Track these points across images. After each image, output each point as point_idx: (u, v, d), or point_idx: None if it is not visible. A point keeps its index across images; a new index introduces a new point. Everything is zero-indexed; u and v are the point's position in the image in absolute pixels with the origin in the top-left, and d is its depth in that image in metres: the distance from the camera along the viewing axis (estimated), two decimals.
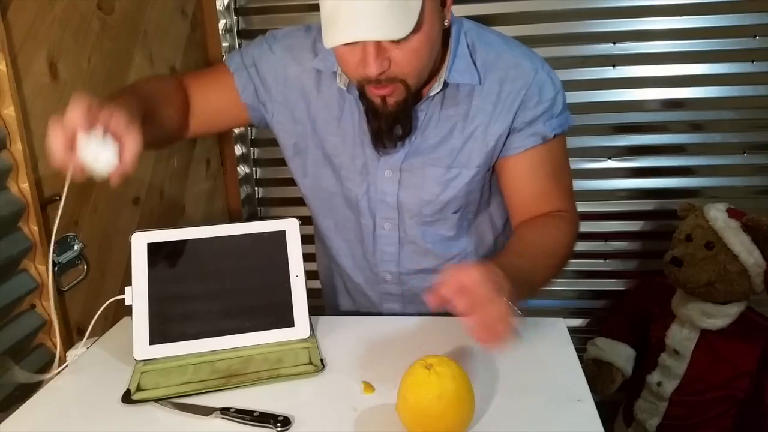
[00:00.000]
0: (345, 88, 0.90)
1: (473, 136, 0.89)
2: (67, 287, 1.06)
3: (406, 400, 0.63)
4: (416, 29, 0.73)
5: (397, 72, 0.78)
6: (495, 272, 0.66)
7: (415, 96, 0.85)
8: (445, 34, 0.85)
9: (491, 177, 0.96)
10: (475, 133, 0.89)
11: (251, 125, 1.08)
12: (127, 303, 0.81)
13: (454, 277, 0.63)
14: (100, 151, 0.68)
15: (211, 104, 0.98)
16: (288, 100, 0.95)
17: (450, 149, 0.90)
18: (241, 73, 0.96)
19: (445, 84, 0.87)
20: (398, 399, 0.65)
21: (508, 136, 0.89)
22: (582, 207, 1.73)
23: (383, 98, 0.81)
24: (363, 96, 0.84)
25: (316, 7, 0.78)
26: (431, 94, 0.87)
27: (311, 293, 0.86)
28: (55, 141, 0.67)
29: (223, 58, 1.68)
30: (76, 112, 0.67)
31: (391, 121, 0.84)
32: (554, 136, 0.89)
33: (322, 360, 0.79)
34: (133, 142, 0.70)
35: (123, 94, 0.81)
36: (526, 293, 0.76)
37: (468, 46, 0.88)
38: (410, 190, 0.93)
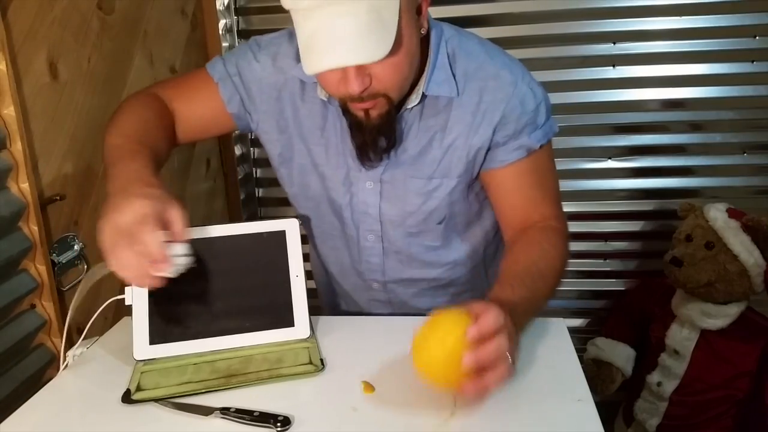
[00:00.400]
0: (326, 99, 0.89)
1: (453, 147, 0.88)
2: (67, 287, 1.06)
3: (443, 344, 0.61)
4: (395, 45, 0.72)
5: (379, 87, 0.77)
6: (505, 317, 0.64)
7: (397, 108, 0.84)
8: (424, 42, 0.84)
9: (479, 187, 0.95)
10: (455, 143, 0.88)
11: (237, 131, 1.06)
12: (127, 303, 0.81)
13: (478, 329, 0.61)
14: (175, 256, 0.70)
15: (197, 114, 0.96)
16: (272, 110, 0.94)
17: (430, 160, 0.89)
18: (225, 83, 0.94)
19: (423, 96, 0.86)
20: (428, 347, 0.63)
21: (489, 149, 0.88)
22: (582, 207, 1.77)
23: (366, 111, 0.80)
24: (346, 111, 0.83)
25: None
26: (409, 106, 0.86)
27: (311, 293, 0.86)
28: (138, 275, 0.68)
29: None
30: (154, 243, 0.67)
31: (375, 134, 0.83)
32: (540, 147, 0.88)
33: (322, 360, 0.79)
34: (179, 215, 0.71)
35: (136, 155, 0.79)
36: (527, 321, 0.78)
37: (448, 56, 0.86)
38: (392, 201, 0.93)
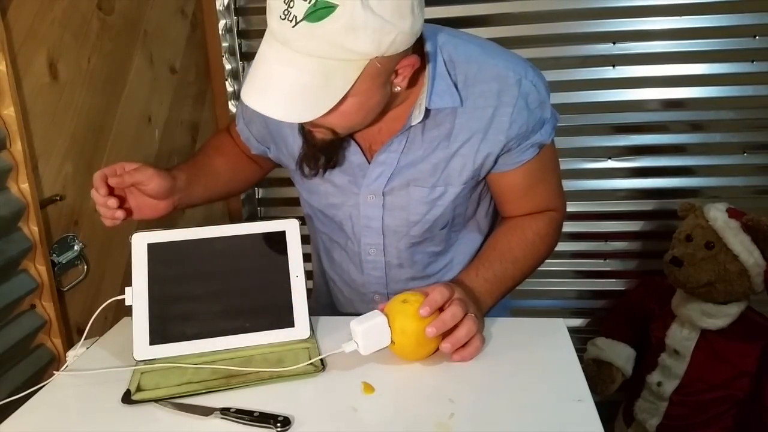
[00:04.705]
0: None
1: (458, 154, 0.86)
2: (67, 287, 1.06)
3: (405, 331, 0.73)
4: (343, 101, 0.70)
5: (324, 123, 0.75)
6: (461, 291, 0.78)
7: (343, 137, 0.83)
8: (421, 52, 0.79)
9: (482, 186, 0.94)
10: (460, 151, 0.86)
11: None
12: (127, 303, 0.80)
13: (429, 300, 0.74)
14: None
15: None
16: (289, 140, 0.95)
17: (433, 168, 0.87)
18: (242, 132, 1.02)
19: (427, 110, 0.82)
20: (396, 334, 0.74)
21: (500, 155, 0.87)
22: (582, 207, 1.77)
23: (310, 131, 0.81)
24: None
25: None
26: (413, 123, 0.83)
27: (310, 295, 0.86)
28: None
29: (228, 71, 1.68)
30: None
31: (314, 151, 0.85)
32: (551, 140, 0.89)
33: (322, 360, 0.79)
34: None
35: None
36: (493, 298, 0.87)
37: (445, 63, 0.82)
38: (395, 212, 0.91)
